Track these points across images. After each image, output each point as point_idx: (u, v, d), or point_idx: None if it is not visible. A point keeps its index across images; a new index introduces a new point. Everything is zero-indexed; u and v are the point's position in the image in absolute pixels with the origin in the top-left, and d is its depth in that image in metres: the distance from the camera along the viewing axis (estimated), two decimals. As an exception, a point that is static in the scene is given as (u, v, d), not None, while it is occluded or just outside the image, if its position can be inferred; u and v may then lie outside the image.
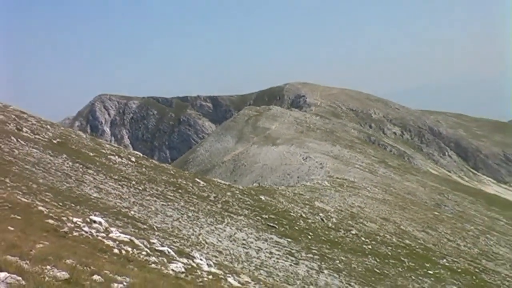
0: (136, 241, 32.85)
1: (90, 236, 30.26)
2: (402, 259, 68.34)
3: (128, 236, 33.47)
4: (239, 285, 30.71)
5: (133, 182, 62.96)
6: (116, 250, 28.65)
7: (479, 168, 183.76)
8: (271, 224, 67.03)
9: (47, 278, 16.54)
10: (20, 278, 15.33)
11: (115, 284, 18.82)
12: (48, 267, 18.00)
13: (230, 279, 31.64)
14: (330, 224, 75.11)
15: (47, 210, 34.09)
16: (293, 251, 59.49)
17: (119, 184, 60.01)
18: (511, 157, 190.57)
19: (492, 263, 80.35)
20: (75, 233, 29.73)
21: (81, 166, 60.33)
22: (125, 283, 19.22)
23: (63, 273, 17.73)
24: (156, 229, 48.10)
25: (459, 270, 70.61)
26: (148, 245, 33.58)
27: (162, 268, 28.08)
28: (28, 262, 17.99)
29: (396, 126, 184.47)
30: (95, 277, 18.91)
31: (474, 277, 69.84)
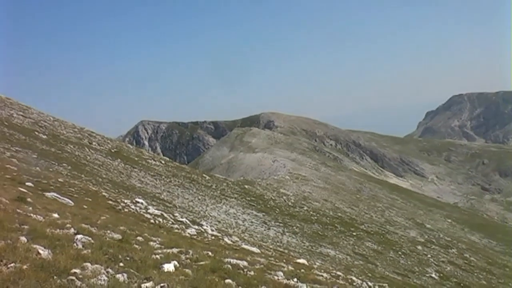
0: (165, 215, 33.07)
1: (135, 211, 30.51)
2: (336, 225, 68.53)
3: (160, 211, 33.70)
4: (231, 242, 30.74)
5: (163, 177, 63.10)
6: (152, 221, 28.92)
7: (384, 167, 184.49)
8: (252, 203, 67.25)
9: (107, 238, 16.70)
10: (90, 238, 15.54)
11: (151, 242, 18.94)
12: (108, 231, 18.21)
13: (226, 239, 31.69)
14: (290, 203, 75.25)
15: (108, 195, 34.36)
16: (266, 221, 59.66)
17: (154, 178, 60.15)
18: (405, 160, 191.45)
19: (392, 227, 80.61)
20: (126, 210, 30.00)
21: (129, 166, 60.49)
22: (157, 242, 19.33)
23: (118, 235, 17.93)
24: (178, 207, 48.25)
25: (372, 232, 70.82)
26: (173, 217, 33.75)
27: (182, 232, 28.19)
28: (95, 228, 18.20)
29: (332, 140, 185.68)
30: (139, 238, 19.13)
31: (381, 236, 70.05)
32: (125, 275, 12.39)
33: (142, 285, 11.83)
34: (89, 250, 14.22)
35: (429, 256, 68.09)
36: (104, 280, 11.63)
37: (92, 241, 15.54)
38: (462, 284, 57.42)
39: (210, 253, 20.12)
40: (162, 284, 11.79)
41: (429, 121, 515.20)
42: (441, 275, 59.11)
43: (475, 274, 66.45)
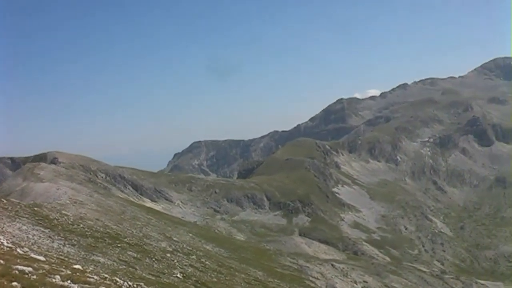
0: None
1: None
2: (105, 238, 67.15)
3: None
4: (22, 252, 29.41)
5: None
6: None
7: (143, 194, 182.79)
8: (40, 222, 64.44)
9: None
10: None
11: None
12: None
13: (18, 250, 30.27)
14: (69, 222, 72.58)
15: None
16: (51, 235, 57.39)
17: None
18: (158, 189, 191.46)
19: (148, 240, 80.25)
20: None
21: None
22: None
23: None
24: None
25: (133, 244, 70.06)
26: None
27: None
28: None
29: (103, 173, 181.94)
30: None
31: (140, 247, 69.52)
32: None
33: None
34: None
35: (175, 261, 68.57)
36: None
37: None
38: (199, 282, 58.37)
39: (2, 261, 19.47)
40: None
41: (176, 160, 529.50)
42: (184, 275, 59.72)
43: (209, 273, 67.83)
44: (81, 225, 73.49)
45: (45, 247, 49.46)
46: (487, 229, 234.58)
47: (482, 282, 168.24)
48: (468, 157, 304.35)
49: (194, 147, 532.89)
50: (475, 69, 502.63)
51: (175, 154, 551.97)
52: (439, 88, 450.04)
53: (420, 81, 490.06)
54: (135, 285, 29.71)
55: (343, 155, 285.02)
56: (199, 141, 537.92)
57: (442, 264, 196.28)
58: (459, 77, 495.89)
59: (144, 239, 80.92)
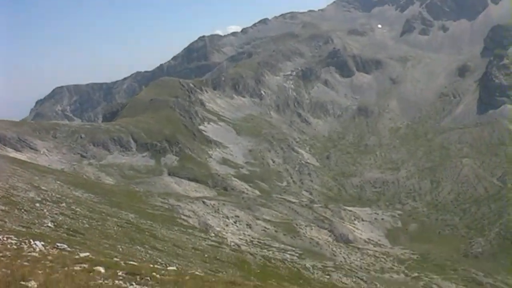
0: None
1: None
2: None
3: None
4: None
5: None
6: None
7: (6, 145, 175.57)
8: None
9: None
10: None
11: None
12: None
13: None
14: None
15: None
16: None
17: None
18: (21, 138, 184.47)
19: (15, 191, 78.52)
20: None
21: None
22: None
23: None
24: None
25: (0, 196, 68.76)
26: None
27: None
28: None
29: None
30: None
31: (7, 199, 68.11)
32: None
33: None
34: None
35: (45, 210, 68.04)
36: None
37: None
38: (71, 229, 58.69)
39: None
40: None
41: (39, 108, 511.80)
42: (56, 224, 59.70)
43: (80, 220, 68.05)
44: None
45: None
46: (352, 158, 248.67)
47: (350, 208, 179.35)
48: (330, 88, 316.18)
49: (56, 93, 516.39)
50: (334, 2, 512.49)
51: (37, 101, 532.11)
52: (299, 22, 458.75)
53: (280, 15, 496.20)
54: (5, 238, 30.01)
55: (207, 92, 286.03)
56: (61, 87, 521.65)
57: (311, 194, 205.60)
58: (319, 10, 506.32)
59: (11, 191, 79.09)
